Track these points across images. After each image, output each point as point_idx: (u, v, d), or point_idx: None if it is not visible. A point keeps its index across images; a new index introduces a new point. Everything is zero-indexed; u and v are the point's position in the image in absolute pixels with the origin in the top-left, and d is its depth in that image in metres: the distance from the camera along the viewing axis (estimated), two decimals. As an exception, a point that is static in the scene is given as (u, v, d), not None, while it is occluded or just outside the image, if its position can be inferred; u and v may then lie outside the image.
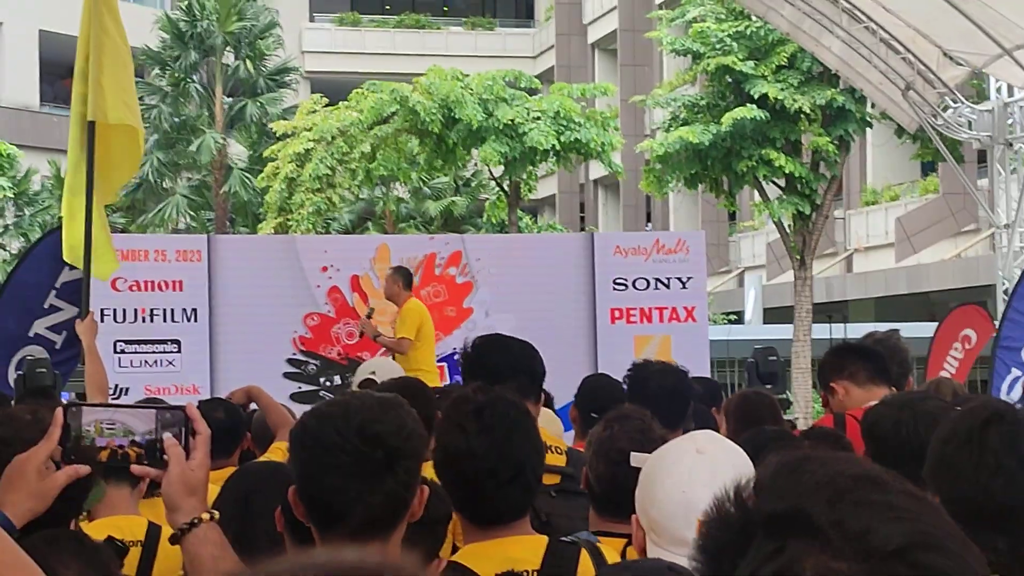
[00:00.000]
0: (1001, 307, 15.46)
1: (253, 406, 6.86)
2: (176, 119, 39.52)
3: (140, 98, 38.18)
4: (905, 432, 3.95)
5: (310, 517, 2.76)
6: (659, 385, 5.24)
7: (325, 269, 13.68)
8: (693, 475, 2.82)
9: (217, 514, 2.79)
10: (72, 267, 11.70)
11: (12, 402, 7.57)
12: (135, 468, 2.80)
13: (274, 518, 3.14)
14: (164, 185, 40.33)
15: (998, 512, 2.77)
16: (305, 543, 3.40)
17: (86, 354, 7.14)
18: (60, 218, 9.08)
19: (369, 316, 12.27)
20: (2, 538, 1.70)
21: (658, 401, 5.21)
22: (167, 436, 2.80)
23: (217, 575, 2.67)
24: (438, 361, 13.74)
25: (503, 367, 4.76)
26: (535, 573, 3.33)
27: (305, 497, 2.74)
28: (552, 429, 4.75)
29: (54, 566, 2.82)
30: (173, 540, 2.79)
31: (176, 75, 39.48)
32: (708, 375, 11.73)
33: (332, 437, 2.71)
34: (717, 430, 6.36)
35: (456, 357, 14.01)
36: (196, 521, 2.74)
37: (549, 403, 7.09)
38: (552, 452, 4.25)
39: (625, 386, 5.57)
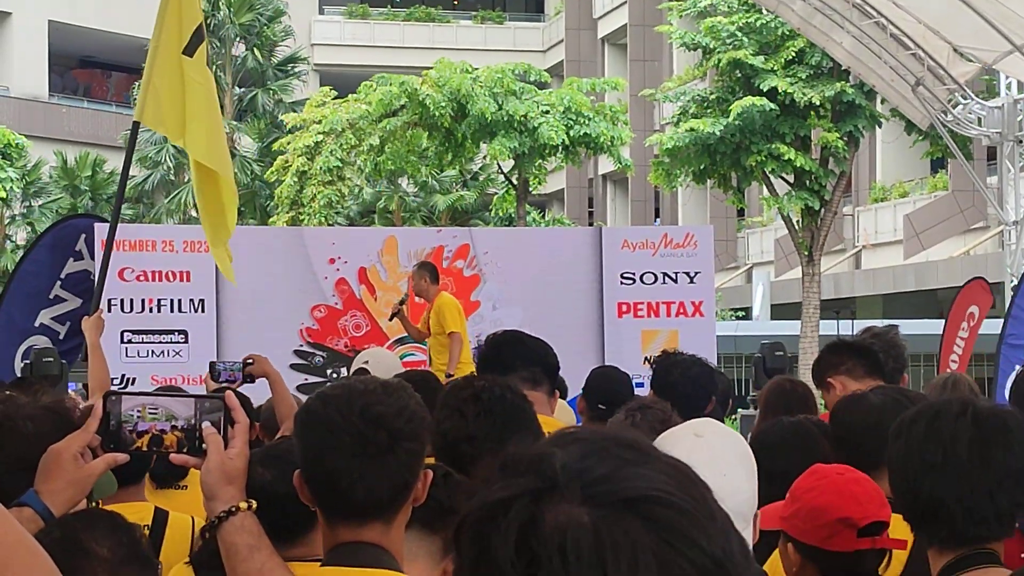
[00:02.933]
0: (1009, 305, 15.43)
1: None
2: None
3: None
4: (864, 423, 4.01)
5: (315, 499, 2.77)
6: (683, 375, 5.25)
7: (332, 261, 13.68)
8: (691, 456, 2.83)
9: (255, 504, 2.80)
10: (77, 258, 11.75)
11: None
12: (175, 458, 2.80)
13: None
14: (171, 177, 40.39)
15: (929, 503, 2.82)
16: (275, 538, 3.42)
17: (89, 351, 7.13)
18: (66, 210, 9.10)
19: (403, 303, 12.15)
20: (8, 520, 1.70)
21: (680, 392, 5.23)
22: (206, 424, 2.81)
23: (252, 564, 2.70)
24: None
25: (517, 360, 4.77)
26: None
27: (309, 479, 2.76)
28: (566, 420, 4.76)
29: (86, 543, 2.84)
30: (208, 529, 2.80)
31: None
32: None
33: (335, 418, 2.74)
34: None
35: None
36: (234, 510, 2.76)
37: (563, 393, 7.09)
38: None
39: (651, 374, 5.59)
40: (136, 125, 8.08)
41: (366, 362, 6.81)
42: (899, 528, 3.15)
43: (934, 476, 2.82)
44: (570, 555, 1.21)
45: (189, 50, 7.91)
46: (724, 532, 1.28)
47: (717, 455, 2.80)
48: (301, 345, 13.51)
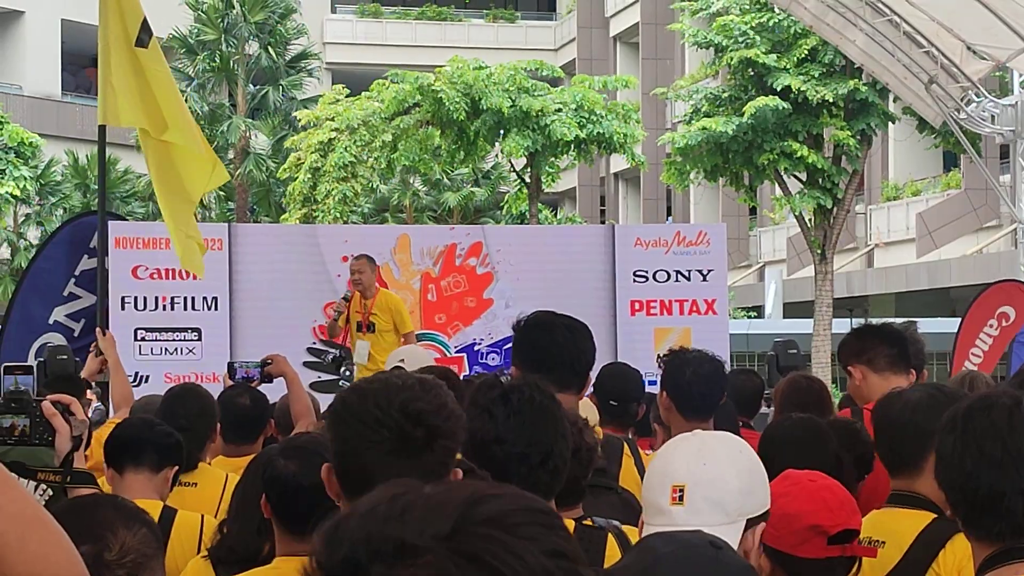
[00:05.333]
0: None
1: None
2: (205, 106, 39.69)
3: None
4: (906, 417, 3.97)
5: (345, 492, 2.76)
6: (695, 373, 5.21)
7: (345, 259, 13.69)
8: (677, 450, 2.84)
9: None
10: (92, 255, 11.76)
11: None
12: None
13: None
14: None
15: (988, 497, 2.78)
16: (293, 530, 3.43)
17: (110, 369, 7.15)
18: (78, 209, 9.16)
19: (347, 300, 11.85)
20: (25, 496, 1.73)
21: (694, 392, 5.19)
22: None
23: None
24: (459, 351, 13.73)
25: (545, 363, 4.61)
26: None
27: (342, 473, 2.75)
28: (590, 416, 4.70)
29: (95, 528, 2.86)
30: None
31: (206, 62, 39.58)
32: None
33: (374, 413, 2.72)
34: (736, 426, 6.36)
35: (476, 348, 14.05)
36: None
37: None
38: None
39: (659, 372, 5.54)
40: (104, 128, 8.11)
41: (402, 360, 6.77)
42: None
43: (994, 469, 2.78)
44: None
45: (141, 43, 8.01)
46: (524, 493, 1.36)
47: (705, 448, 2.82)
48: (314, 343, 13.53)
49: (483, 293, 13.64)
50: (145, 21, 8.07)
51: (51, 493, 3.39)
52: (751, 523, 2.75)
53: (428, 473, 2.69)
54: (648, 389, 6.85)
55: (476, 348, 13.68)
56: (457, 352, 13.68)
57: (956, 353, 14.91)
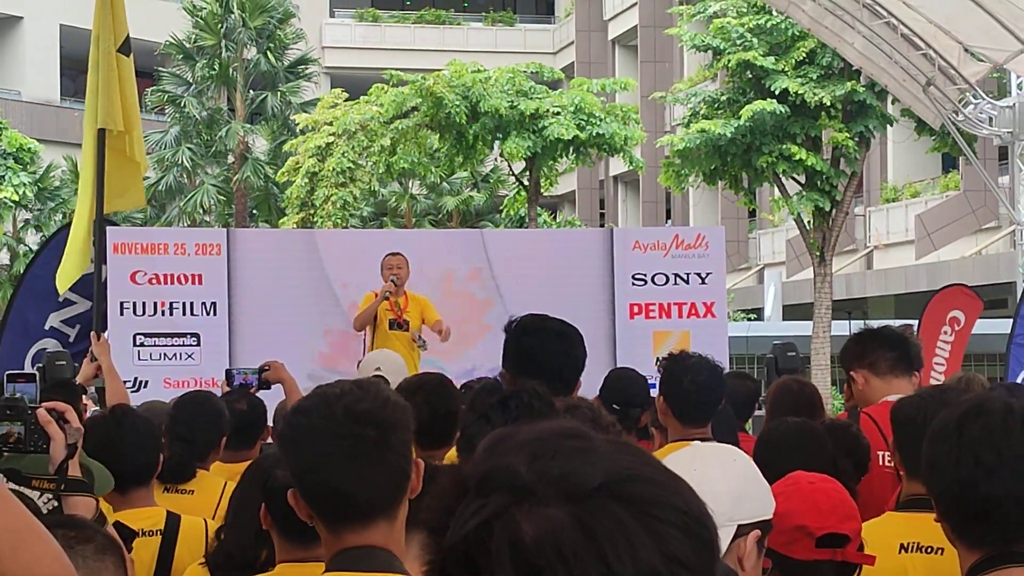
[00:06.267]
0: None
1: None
2: (204, 111, 39.72)
3: (166, 90, 37.93)
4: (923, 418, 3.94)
5: (315, 512, 2.74)
6: (692, 381, 5.18)
7: (345, 264, 13.67)
8: (672, 457, 2.84)
9: None
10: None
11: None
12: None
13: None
14: (184, 179, 40.47)
15: (983, 505, 2.76)
16: (293, 539, 3.43)
17: (105, 374, 7.16)
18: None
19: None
20: (18, 507, 1.74)
21: (693, 400, 5.18)
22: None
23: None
24: (458, 377, 13.64)
25: (532, 361, 4.60)
26: None
27: (307, 492, 2.73)
28: None
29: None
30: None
31: (205, 68, 39.58)
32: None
33: (320, 426, 2.70)
34: (735, 432, 6.35)
35: (476, 374, 13.94)
36: None
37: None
38: None
39: (659, 376, 5.52)
40: (103, 132, 8.15)
41: (378, 368, 6.77)
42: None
43: (990, 477, 2.76)
44: (568, 556, 1.22)
45: (124, 50, 8.16)
46: (691, 489, 1.33)
47: (698, 455, 2.83)
48: (319, 346, 13.51)
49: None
50: (128, 37, 8.25)
51: (56, 503, 3.38)
52: (743, 529, 2.74)
53: (393, 469, 2.68)
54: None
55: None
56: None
57: (922, 371, 14.74)
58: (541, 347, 4.61)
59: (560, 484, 1.26)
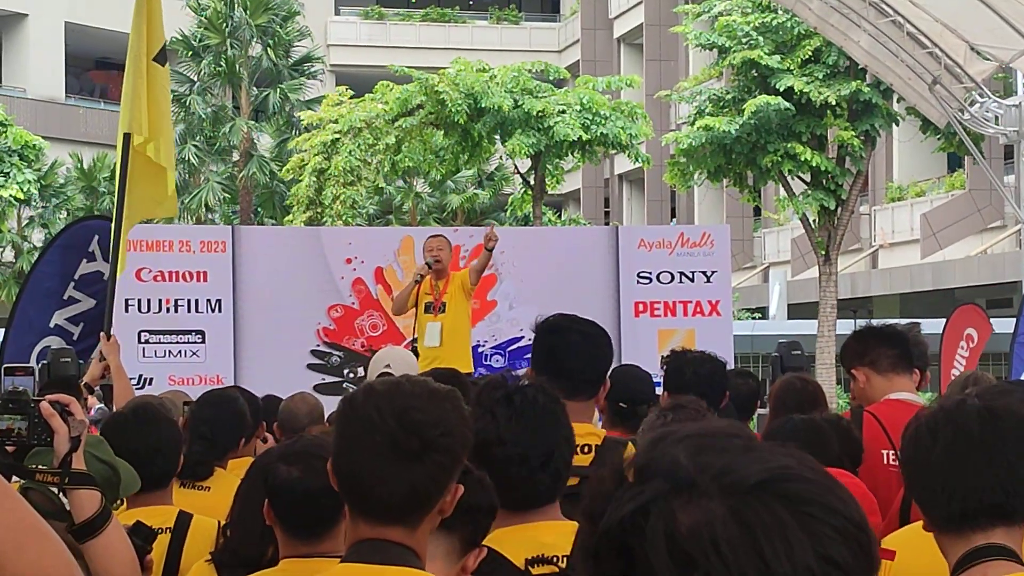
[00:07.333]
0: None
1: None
2: (209, 109, 39.76)
3: (171, 90, 38.25)
4: None
5: (340, 492, 2.74)
6: (695, 373, 5.18)
7: (349, 261, 13.69)
8: None
9: None
10: (90, 259, 11.77)
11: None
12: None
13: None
14: (189, 177, 40.51)
15: (967, 504, 2.77)
16: (296, 535, 3.43)
17: (113, 374, 7.16)
18: (82, 212, 9.17)
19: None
20: (23, 505, 1.73)
21: (695, 392, 5.17)
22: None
23: None
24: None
25: (557, 361, 4.58)
26: (564, 559, 3.32)
27: (336, 471, 2.72)
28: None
29: None
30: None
31: (210, 65, 39.62)
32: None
33: (372, 415, 2.68)
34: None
35: (480, 350, 14.02)
36: None
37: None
38: (580, 452, 4.16)
39: (662, 373, 5.52)
40: (128, 137, 8.13)
41: (387, 365, 6.74)
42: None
43: (972, 476, 2.77)
44: (724, 548, 1.23)
45: (160, 59, 8.14)
46: (851, 495, 1.31)
47: None
48: (318, 345, 13.52)
49: (487, 295, 13.61)
50: (165, 45, 8.19)
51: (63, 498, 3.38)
52: None
53: (416, 485, 2.65)
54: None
55: (480, 350, 13.66)
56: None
57: (942, 366, 15.07)
58: (565, 347, 4.59)
59: (720, 478, 1.27)
